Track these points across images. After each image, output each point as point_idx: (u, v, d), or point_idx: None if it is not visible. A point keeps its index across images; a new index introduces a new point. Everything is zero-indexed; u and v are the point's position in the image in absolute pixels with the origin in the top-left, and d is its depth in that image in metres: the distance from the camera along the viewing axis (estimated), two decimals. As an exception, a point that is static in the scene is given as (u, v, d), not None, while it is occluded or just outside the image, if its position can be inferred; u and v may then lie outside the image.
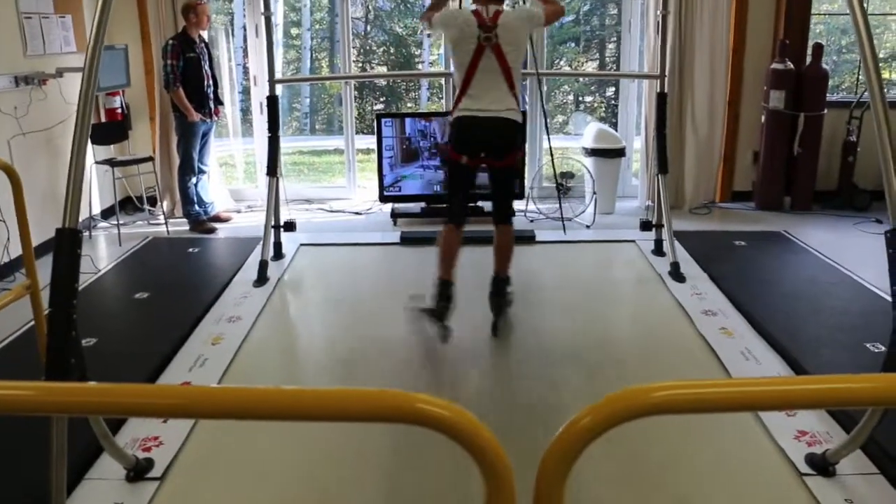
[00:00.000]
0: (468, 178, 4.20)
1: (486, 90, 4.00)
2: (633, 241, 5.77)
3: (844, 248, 5.64)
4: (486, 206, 5.07)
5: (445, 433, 1.03)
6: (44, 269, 2.59)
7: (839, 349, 3.92)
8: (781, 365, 3.76)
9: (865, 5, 7.10)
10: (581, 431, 1.05)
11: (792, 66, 6.48)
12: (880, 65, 2.75)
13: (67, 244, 2.47)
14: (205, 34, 6.22)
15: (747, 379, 2.43)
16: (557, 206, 5.90)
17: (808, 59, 6.60)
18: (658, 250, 5.44)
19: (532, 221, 6.42)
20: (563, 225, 4.55)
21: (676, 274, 4.97)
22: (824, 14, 8.66)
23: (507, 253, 4.19)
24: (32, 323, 3.43)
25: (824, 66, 6.60)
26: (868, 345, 3.88)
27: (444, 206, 4.29)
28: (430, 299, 3.99)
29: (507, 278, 4.19)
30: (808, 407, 2.44)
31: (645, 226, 5.49)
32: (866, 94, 2.71)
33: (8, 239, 5.01)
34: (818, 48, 6.55)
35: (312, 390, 1.10)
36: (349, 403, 1.08)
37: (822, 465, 2.86)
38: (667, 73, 5.52)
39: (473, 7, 4.05)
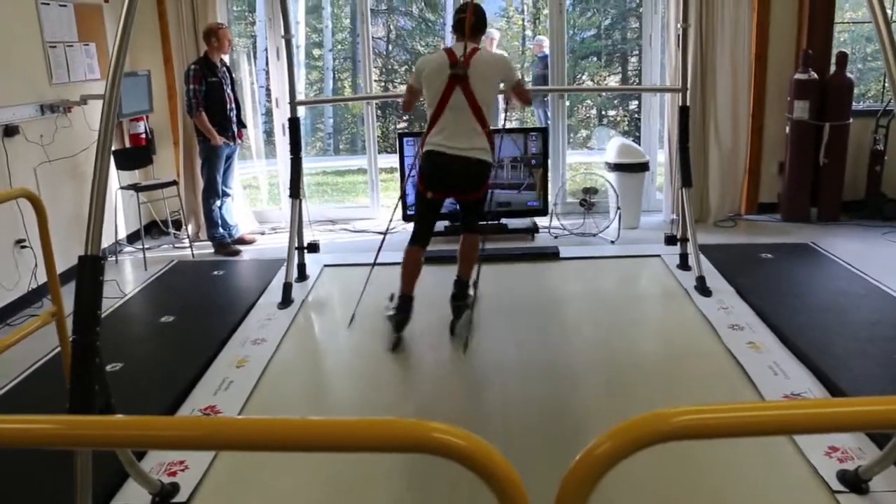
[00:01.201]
0: (434, 210, 4.40)
1: (456, 127, 4.10)
2: (658, 255, 5.72)
3: (873, 259, 5.55)
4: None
5: (461, 462, 1.01)
6: (70, 294, 2.61)
7: (870, 363, 3.85)
8: (811, 380, 3.69)
9: (890, 12, 7.07)
10: (600, 458, 1.03)
11: (816, 75, 6.41)
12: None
13: (90, 271, 2.49)
14: (226, 58, 6.28)
15: (770, 403, 2.38)
16: (581, 222, 5.88)
17: (833, 68, 6.53)
18: (683, 264, 5.38)
19: (556, 238, 6.39)
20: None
21: (702, 288, 4.92)
22: (848, 22, 8.57)
23: (470, 258, 4.45)
24: (59, 349, 3.45)
25: (849, 74, 6.52)
26: (900, 357, 3.81)
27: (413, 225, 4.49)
28: (392, 311, 4.30)
29: (467, 282, 4.47)
30: (836, 430, 2.38)
31: (670, 240, 5.45)
32: (892, 102, 2.67)
33: (35, 265, 5.08)
34: (842, 57, 6.48)
35: (328, 421, 1.09)
36: (365, 434, 1.07)
37: (855, 483, 2.80)
38: (689, 86, 5.49)
39: (449, 46, 4.23)
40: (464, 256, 4.46)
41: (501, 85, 4.30)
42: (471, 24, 4.10)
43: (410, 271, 4.32)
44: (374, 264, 4.68)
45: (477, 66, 4.06)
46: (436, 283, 5.33)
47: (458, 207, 4.58)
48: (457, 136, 4.08)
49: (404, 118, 10.33)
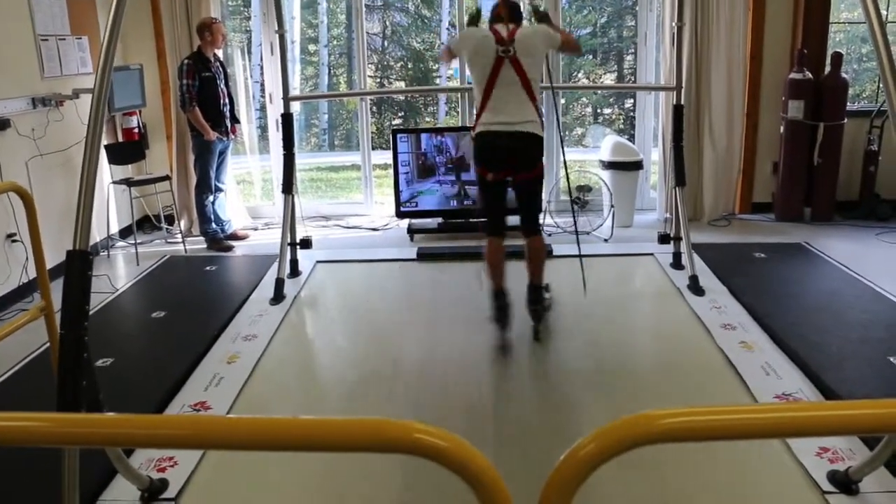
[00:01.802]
0: (500, 192, 4.28)
1: (506, 103, 4.06)
2: (651, 254, 5.72)
3: (866, 260, 5.55)
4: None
5: (443, 464, 1.00)
6: (60, 289, 2.59)
7: (863, 363, 3.85)
8: (803, 380, 3.69)
9: (885, 12, 7.07)
10: (584, 458, 1.02)
11: (811, 75, 6.42)
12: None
13: (78, 266, 2.47)
14: (220, 53, 6.26)
15: (757, 406, 2.39)
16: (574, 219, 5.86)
17: (828, 69, 6.52)
18: (677, 263, 5.38)
19: (549, 236, 6.38)
20: (578, 244, 4.48)
21: (695, 287, 4.91)
22: (844, 23, 8.57)
23: (539, 262, 4.28)
24: (48, 344, 3.43)
25: (844, 75, 6.52)
26: (892, 359, 3.82)
27: (482, 221, 4.39)
28: (493, 311, 4.21)
29: (542, 286, 4.31)
30: (826, 434, 2.38)
31: (663, 239, 5.45)
32: (886, 103, 2.67)
33: (26, 259, 5.06)
34: (837, 57, 6.48)
35: (311, 420, 1.08)
36: (347, 434, 1.06)
37: (845, 483, 2.80)
38: (683, 85, 5.48)
39: (490, 26, 4.16)
40: (532, 260, 4.29)
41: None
42: (507, 11, 4.11)
43: (496, 264, 4.24)
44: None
45: (522, 41, 4.05)
46: (426, 279, 5.35)
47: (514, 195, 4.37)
48: (508, 112, 4.04)
49: (399, 115, 10.35)
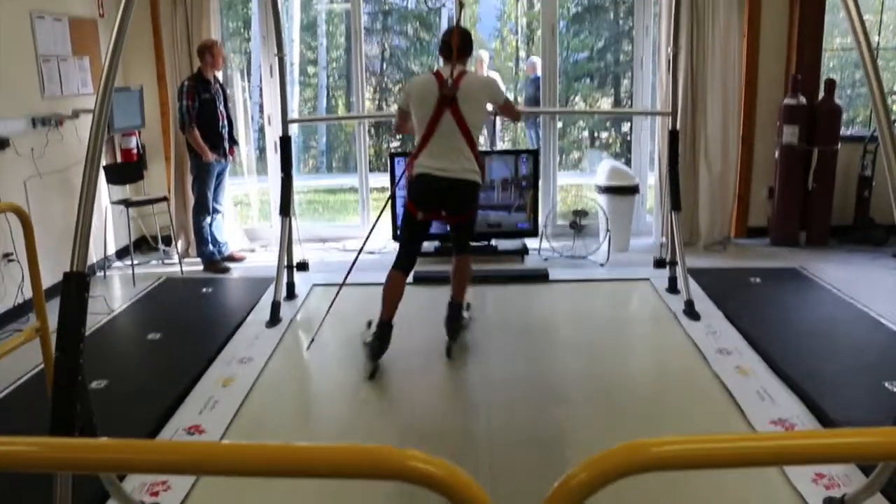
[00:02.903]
0: (422, 231, 4.38)
1: (445, 150, 4.13)
2: (647, 279, 5.73)
3: (862, 284, 5.57)
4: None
5: (437, 491, 1.00)
6: (57, 309, 2.59)
7: (858, 389, 3.84)
8: (799, 406, 3.69)
9: (877, 38, 7.15)
10: (577, 487, 1.03)
11: (805, 101, 6.47)
12: (894, 97, 2.75)
13: (75, 288, 2.47)
14: (220, 75, 6.29)
15: (751, 434, 2.39)
16: (571, 244, 5.89)
17: (822, 94, 6.58)
18: (672, 288, 5.39)
19: (546, 260, 6.39)
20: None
21: (691, 312, 4.92)
22: (837, 49, 8.65)
23: (462, 280, 4.47)
24: (42, 365, 3.43)
25: (837, 100, 6.57)
26: (888, 384, 3.82)
27: (398, 247, 4.47)
28: (370, 338, 4.25)
29: (461, 304, 4.48)
30: (819, 462, 2.38)
31: (659, 263, 5.46)
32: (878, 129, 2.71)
33: (22, 279, 5.05)
34: (830, 83, 6.54)
35: (305, 447, 1.09)
36: (341, 460, 1.07)
37: (841, 511, 2.79)
38: (679, 110, 5.52)
39: (436, 69, 4.25)
40: (457, 278, 4.46)
41: (490, 106, 4.33)
42: (457, 46, 4.11)
43: (392, 297, 4.25)
44: (342, 285, 4.56)
45: (465, 89, 4.10)
46: (426, 303, 5.33)
47: (448, 229, 4.55)
48: (446, 158, 4.11)
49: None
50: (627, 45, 12.42)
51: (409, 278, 5.79)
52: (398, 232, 6.42)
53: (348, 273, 4.48)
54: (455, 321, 4.44)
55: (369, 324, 4.41)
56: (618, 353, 4.56)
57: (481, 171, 4.23)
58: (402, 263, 4.33)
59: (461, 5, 4.44)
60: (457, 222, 4.37)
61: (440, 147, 4.12)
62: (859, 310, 5.02)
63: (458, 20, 4.37)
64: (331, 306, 4.53)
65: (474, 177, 4.17)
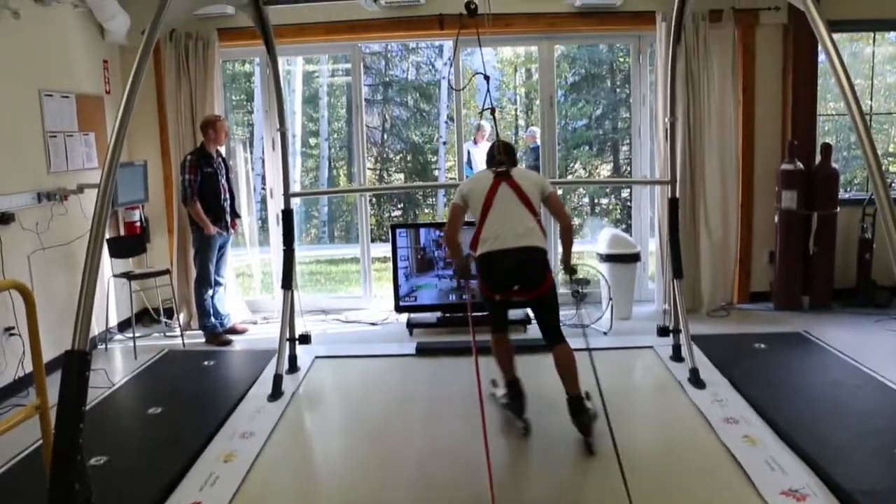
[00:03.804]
0: (504, 308, 4.36)
1: (505, 221, 4.07)
2: (650, 347, 5.70)
3: (867, 347, 5.54)
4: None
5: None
6: (57, 384, 2.57)
7: (868, 456, 3.78)
8: (809, 475, 3.62)
9: (870, 102, 7.26)
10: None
11: (802, 166, 6.54)
12: (889, 159, 2.79)
13: (76, 367, 2.47)
14: (222, 149, 6.37)
15: None
16: (573, 312, 5.87)
17: (818, 159, 6.65)
18: (676, 356, 5.36)
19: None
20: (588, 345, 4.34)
21: (696, 380, 4.88)
22: (831, 114, 8.77)
23: (570, 371, 4.09)
24: (41, 441, 3.39)
25: (834, 164, 6.64)
26: (897, 451, 3.76)
27: (487, 317, 4.38)
28: (505, 399, 4.34)
29: (579, 396, 4.07)
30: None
31: (662, 331, 5.44)
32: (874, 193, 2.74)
33: (23, 353, 5.04)
34: (826, 148, 6.61)
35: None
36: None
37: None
38: (678, 178, 5.56)
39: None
40: (563, 371, 4.10)
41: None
42: (504, 147, 4.26)
43: (506, 356, 4.35)
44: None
45: (517, 171, 4.24)
46: (427, 376, 5.31)
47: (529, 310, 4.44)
48: (508, 229, 4.03)
49: (444, 251, 10.37)
50: (625, 113, 12.60)
51: (412, 349, 5.84)
52: (404, 306, 6.44)
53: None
54: (581, 414, 4.02)
55: (493, 382, 4.46)
56: (623, 423, 4.46)
57: (545, 237, 4.17)
58: (499, 326, 4.34)
59: (486, 78, 4.52)
60: (537, 299, 4.18)
61: (500, 218, 4.06)
62: (865, 374, 4.98)
63: (488, 93, 4.44)
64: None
65: (541, 242, 4.07)
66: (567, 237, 4.43)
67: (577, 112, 13.40)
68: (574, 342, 4.23)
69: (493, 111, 4.51)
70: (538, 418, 4.31)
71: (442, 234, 4.74)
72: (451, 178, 12.26)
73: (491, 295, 4.17)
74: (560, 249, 4.61)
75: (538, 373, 4.67)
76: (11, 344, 5.07)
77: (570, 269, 4.40)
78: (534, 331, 6.25)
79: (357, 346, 6.11)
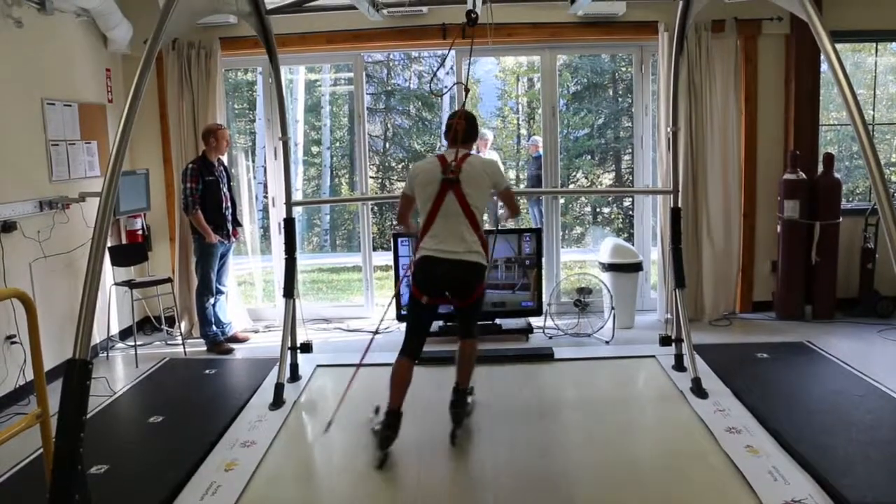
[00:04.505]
0: (428, 316, 4.33)
1: (448, 232, 4.13)
2: (652, 356, 5.68)
3: (870, 357, 5.54)
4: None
5: None
6: (58, 391, 2.55)
7: (872, 467, 3.77)
8: (812, 485, 3.61)
9: (872, 112, 7.26)
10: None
11: (804, 175, 6.53)
12: (891, 169, 2.79)
13: (77, 376, 2.47)
14: (224, 157, 6.38)
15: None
16: (576, 322, 5.86)
17: (821, 169, 6.65)
18: (679, 365, 5.34)
19: (550, 338, 6.36)
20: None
21: (698, 390, 4.86)
22: (834, 125, 8.77)
23: (467, 366, 4.37)
24: (42, 450, 3.38)
25: (836, 174, 6.64)
26: (902, 461, 3.74)
27: (405, 334, 4.33)
28: (378, 426, 4.14)
29: (466, 390, 4.40)
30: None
31: (664, 341, 5.42)
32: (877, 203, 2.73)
33: (24, 361, 5.04)
34: (829, 158, 6.62)
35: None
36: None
37: None
38: (680, 188, 5.56)
39: (440, 152, 4.29)
40: (462, 363, 4.38)
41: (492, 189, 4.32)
42: (462, 130, 4.20)
43: (400, 385, 4.15)
44: (359, 365, 4.52)
45: (468, 171, 4.13)
46: (431, 385, 5.28)
47: (453, 310, 4.50)
48: (450, 241, 4.10)
49: (397, 227, 10.45)
50: (627, 122, 12.63)
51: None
52: (405, 315, 6.43)
53: (362, 358, 4.47)
54: (460, 407, 4.35)
55: (377, 410, 4.29)
56: (625, 433, 4.48)
57: (486, 252, 4.20)
58: (409, 349, 4.21)
59: (466, 90, 4.52)
60: (463, 305, 4.31)
61: (443, 229, 4.12)
62: (868, 384, 4.96)
63: (464, 104, 4.43)
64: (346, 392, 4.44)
65: (478, 258, 4.14)
66: (509, 215, 4.58)
67: (579, 121, 13.42)
68: (577, 351, 4.20)
69: (466, 89, 4.52)
70: (539, 425, 4.29)
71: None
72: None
73: (419, 295, 4.19)
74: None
75: (536, 379, 4.65)
76: (12, 352, 5.06)
77: (495, 226, 4.47)
78: (536, 339, 6.28)
79: (359, 355, 6.07)
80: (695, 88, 6.55)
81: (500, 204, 4.50)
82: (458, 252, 4.09)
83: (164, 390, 5.45)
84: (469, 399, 4.43)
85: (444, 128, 4.41)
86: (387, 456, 4.08)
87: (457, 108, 4.50)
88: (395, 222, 12.91)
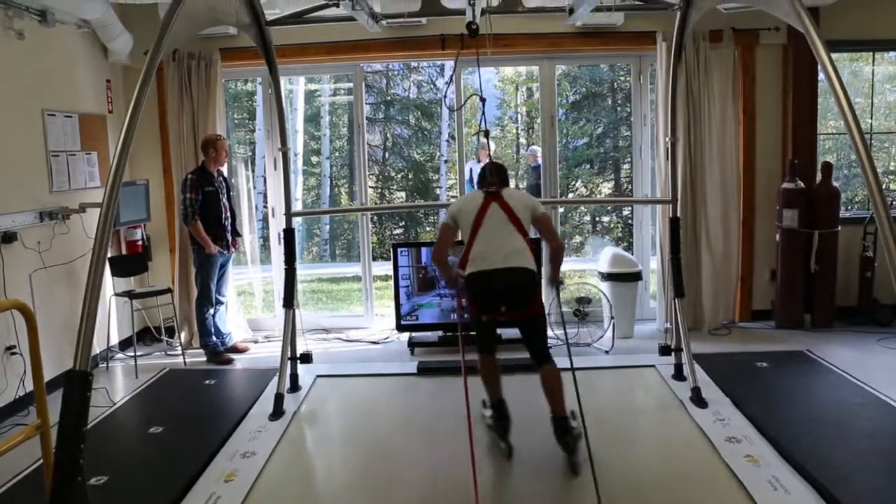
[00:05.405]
0: (492, 328, 4.33)
1: (494, 242, 4.08)
2: (652, 365, 5.68)
3: (869, 366, 5.53)
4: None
5: None
6: (58, 402, 2.56)
7: (872, 475, 3.77)
8: (812, 495, 3.61)
9: (870, 121, 7.28)
10: None
11: (803, 184, 6.55)
12: (889, 178, 2.80)
13: (78, 387, 2.47)
14: (224, 168, 6.39)
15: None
16: (576, 331, 5.84)
17: (819, 178, 6.66)
18: (678, 375, 5.34)
19: (550, 348, 6.33)
20: (571, 362, 4.29)
21: (698, 399, 4.86)
22: (832, 133, 8.80)
23: (556, 391, 4.10)
24: (41, 461, 3.38)
25: (835, 182, 6.65)
26: (903, 470, 3.74)
27: (475, 338, 4.33)
28: (490, 421, 4.29)
29: (564, 416, 4.07)
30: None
31: (664, 350, 5.42)
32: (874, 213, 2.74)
33: (24, 372, 5.03)
34: (827, 167, 6.63)
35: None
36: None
37: None
38: (679, 198, 5.57)
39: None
40: (548, 389, 4.11)
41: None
42: (497, 168, 4.32)
43: (492, 377, 4.29)
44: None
45: (508, 191, 4.23)
46: (427, 395, 5.29)
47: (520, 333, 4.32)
48: (497, 250, 4.05)
49: (400, 225, 10.48)
50: (626, 131, 12.66)
51: (413, 368, 5.83)
52: (406, 321, 6.44)
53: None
54: (566, 434, 4.00)
55: (483, 403, 4.38)
56: (624, 443, 4.47)
57: (536, 260, 4.17)
58: (486, 347, 4.29)
59: (483, 101, 4.56)
60: (525, 319, 4.16)
61: (490, 239, 4.08)
62: (868, 392, 4.96)
63: (482, 114, 4.48)
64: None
65: (529, 264, 4.06)
66: (555, 257, 4.44)
67: (578, 131, 13.46)
68: (571, 361, 4.21)
69: (486, 133, 4.55)
70: (540, 434, 4.29)
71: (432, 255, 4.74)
72: (452, 197, 12.28)
73: (478, 315, 4.17)
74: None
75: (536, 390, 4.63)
76: (12, 363, 5.06)
77: (556, 283, 4.42)
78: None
79: (358, 365, 6.10)
80: (693, 98, 6.58)
81: (545, 259, 4.46)
82: (506, 257, 4.03)
83: (164, 401, 5.45)
84: (573, 423, 4.07)
85: (477, 180, 4.45)
86: (510, 444, 4.18)
87: (459, 117, 4.53)
88: (396, 231, 12.93)
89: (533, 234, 4.35)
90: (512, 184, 4.42)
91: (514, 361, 5.07)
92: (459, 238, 4.39)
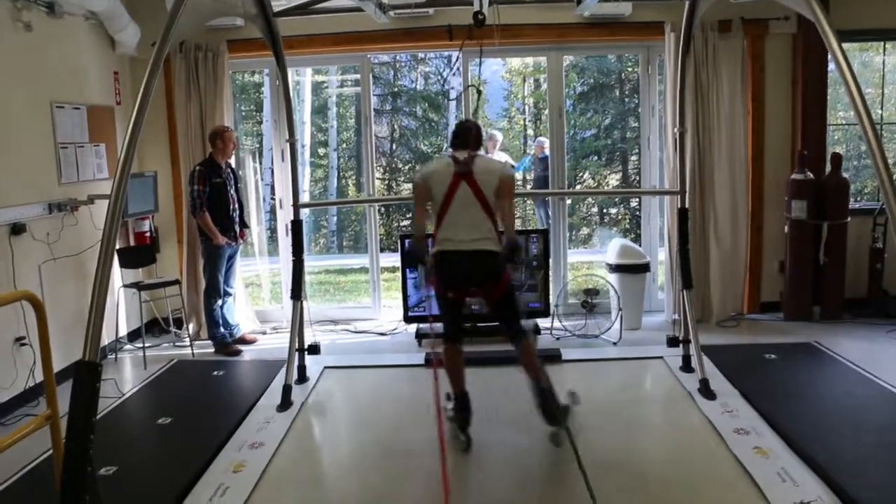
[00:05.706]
0: (458, 308, 4.32)
1: (463, 221, 4.12)
2: (660, 357, 5.67)
3: (879, 358, 5.51)
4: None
5: None
6: (67, 392, 2.57)
7: (882, 468, 3.75)
8: (821, 487, 3.60)
9: (881, 111, 7.24)
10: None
11: (812, 175, 6.51)
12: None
13: (87, 378, 2.48)
14: (231, 159, 6.39)
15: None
16: (583, 323, 5.84)
17: (828, 169, 6.62)
18: (686, 366, 5.33)
19: (558, 339, 6.35)
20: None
21: (706, 391, 4.85)
22: (841, 124, 8.75)
23: (534, 365, 4.17)
24: (51, 451, 3.40)
25: (844, 174, 6.61)
26: (913, 462, 3.73)
27: (441, 327, 4.38)
28: (451, 413, 4.23)
29: (549, 386, 4.13)
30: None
31: (672, 342, 5.41)
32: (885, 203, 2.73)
33: (34, 363, 5.06)
34: (836, 158, 6.59)
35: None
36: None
37: None
38: (687, 189, 5.55)
39: (450, 153, 4.32)
40: (526, 364, 4.19)
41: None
42: (473, 136, 4.27)
43: (455, 369, 4.29)
44: None
45: (479, 164, 4.18)
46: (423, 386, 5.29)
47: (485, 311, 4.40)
48: (466, 229, 4.10)
49: (407, 217, 10.45)
50: (634, 123, 12.59)
51: (421, 359, 5.83)
52: (414, 312, 6.44)
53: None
54: (547, 402, 4.10)
55: (448, 396, 4.35)
56: (632, 435, 4.47)
57: (499, 240, 4.17)
58: (453, 335, 4.30)
59: (479, 92, 4.54)
60: (494, 299, 4.22)
61: (459, 219, 4.12)
62: (877, 384, 4.95)
63: (476, 107, 4.44)
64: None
65: (493, 246, 4.11)
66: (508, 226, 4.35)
67: (585, 122, 13.40)
68: (585, 352, 4.20)
69: (478, 91, 4.54)
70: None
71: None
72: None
73: (443, 292, 4.20)
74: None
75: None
76: (22, 354, 5.08)
77: (512, 246, 4.32)
78: (543, 341, 6.27)
79: (366, 357, 6.11)
80: (702, 89, 6.54)
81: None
82: (473, 240, 4.08)
83: (173, 392, 5.46)
84: (555, 394, 4.14)
85: (450, 137, 4.41)
86: (469, 437, 4.20)
87: (467, 109, 4.51)
88: (403, 223, 12.92)
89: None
90: (519, 175, 4.39)
91: (486, 354, 5.12)
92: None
